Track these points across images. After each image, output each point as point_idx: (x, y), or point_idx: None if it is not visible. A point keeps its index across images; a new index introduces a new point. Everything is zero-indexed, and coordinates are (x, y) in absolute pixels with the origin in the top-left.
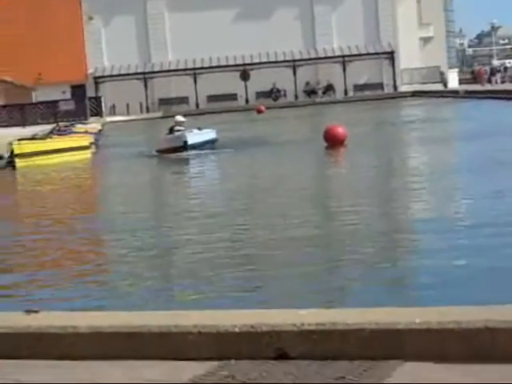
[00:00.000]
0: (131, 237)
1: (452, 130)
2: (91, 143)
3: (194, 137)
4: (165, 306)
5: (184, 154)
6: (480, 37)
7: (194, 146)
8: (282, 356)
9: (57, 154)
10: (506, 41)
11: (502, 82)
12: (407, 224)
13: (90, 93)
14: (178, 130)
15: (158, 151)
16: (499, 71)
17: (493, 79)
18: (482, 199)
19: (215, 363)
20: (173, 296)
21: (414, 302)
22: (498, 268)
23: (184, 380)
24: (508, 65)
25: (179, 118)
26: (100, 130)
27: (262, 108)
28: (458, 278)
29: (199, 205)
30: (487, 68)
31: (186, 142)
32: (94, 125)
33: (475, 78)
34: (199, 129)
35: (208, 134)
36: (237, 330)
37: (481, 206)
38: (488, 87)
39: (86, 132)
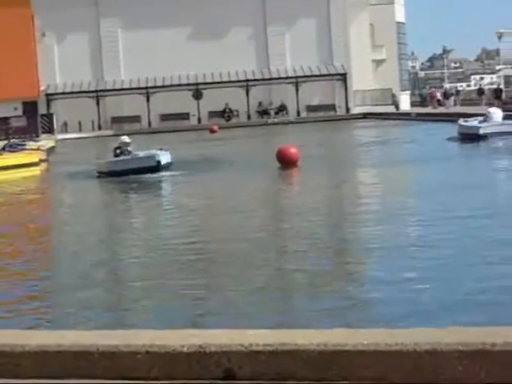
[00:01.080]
0: (78, 258)
1: (401, 152)
2: (42, 160)
3: (163, 157)
4: (114, 326)
5: (148, 176)
6: (432, 60)
7: (164, 167)
8: (230, 376)
9: (5, 170)
10: (458, 64)
11: (454, 105)
12: (355, 245)
13: (42, 110)
14: (123, 152)
15: (102, 172)
16: (452, 94)
17: (447, 102)
18: (428, 221)
19: (163, 383)
20: (123, 316)
21: (363, 324)
22: (445, 289)
23: None
24: (460, 88)
25: (125, 138)
26: (53, 147)
27: (215, 128)
28: (407, 300)
29: (147, 226)
30: (439, 91)
31: (159, 162)
32: (46, 141)
33: (424, 100)
34: (161, 150)
35: (165, 156)
36: (185, 349)
37: (427, 229)
38: (441, 110)
39: (38, 149)
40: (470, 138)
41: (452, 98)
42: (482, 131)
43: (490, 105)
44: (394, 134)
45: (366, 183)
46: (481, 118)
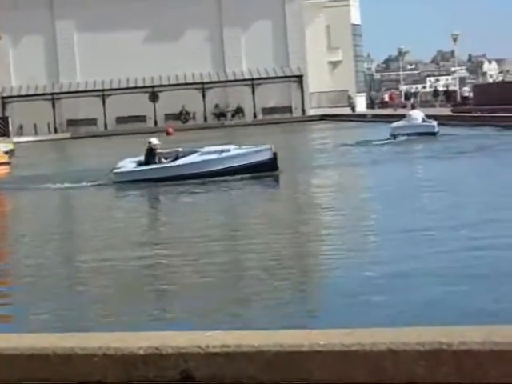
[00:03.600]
0: (38, 262)
1: (358, 155)
2: (3, 163)
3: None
4: (71, 329)
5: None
6: (388, 62)
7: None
8: (188, 378)
9: None
10: (413, 66)
11: (413, 107)
12: (317, 249)
13: None
14: (156, 154)
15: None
16: (413, 95)
17: (408, 103)
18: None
19: None
20: (80, 318)
21: (320, 325)
22: (400, 290)
23: None
24: (415, 90)
25: (154, 140)
26: (12, 150)
27: (171, 130)
28: (365, 301)
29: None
30: (400, 92)
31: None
32: (4, 144)
33: (373, 103)
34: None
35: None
36: (142, 352)
37: (389, 238)
38: (400, 111)
39: None
40: (392, 137)
41: (412, 99)
42: (395, 132)
43: (441, 106)
44: (355, 136)
45: (327, 185)
46: (403, 120)
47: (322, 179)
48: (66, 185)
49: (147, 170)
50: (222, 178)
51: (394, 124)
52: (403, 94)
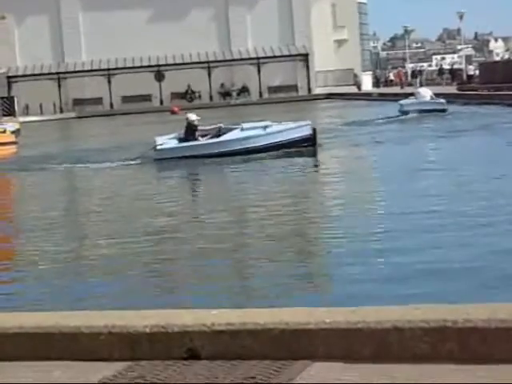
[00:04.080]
0: (42, 240)
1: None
2: (12, 142)
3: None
4: (76, 307)
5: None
6: (393, 40)
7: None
8: (194, 356)
9: None
10: (419, 44)
11: (421, 85)
12: (321, 230)
13: (3, 93)
14: (196, 130)
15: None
16: (419, 73)
17: (415, 81)
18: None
19: (125, 364)
20: (84, 297)
21: (325, 303)
22: (408, 269)
23: (93, 380)
24: (421, 68)
25: (193, 116)
26: (18, 130)
27: (176, 109)
28: (370, 279)
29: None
30: (406, 70)
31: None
32: (11, 124)
33: (378, 82)
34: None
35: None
36: (147, 330)
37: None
38: (407, 90)
39: (5, 131)
40: (402, 114)
41: (419, 77)
42: (405, 108)
43: (447, 84)
44: (363, 115)
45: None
46: (412, 98)
47: (352, 155)
48: (103, 164)
49: (191, 146)
50: (264, 154)
51: (403, 101)
52: (409, 73)
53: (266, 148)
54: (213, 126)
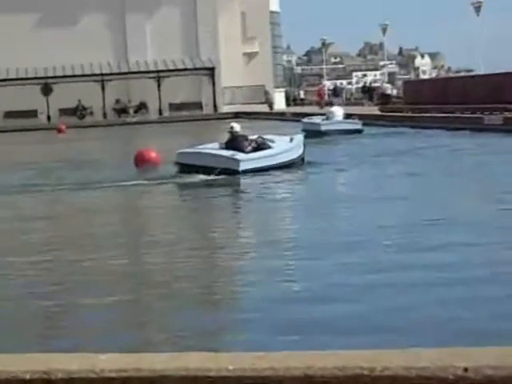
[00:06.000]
0: None
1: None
2: None
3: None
4: None
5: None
6: (309, 54)
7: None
8: None
9: None
10: (338, 59)
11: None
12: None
13: None
14: (246, 140)
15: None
16: (342, 91)
17: (336, 100)
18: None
19: None
20: None
21: (229, 349)
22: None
23: None
24: (341, 86)
25: (238, 126)
26: None
27: (63, 127)
28: (280, 326)
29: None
30: (326, 87)
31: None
32: None
33: (287, 100)
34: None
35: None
36: (28, 376)
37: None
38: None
39: None
40: (314, 134)
41: (342, 95)
42: (323, 128)
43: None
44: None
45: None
46: (323, 117)
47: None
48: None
49: (266, 156)
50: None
51: (318, 120)
52: (329, 91)
53: (297, 160)
54: (255, 137)
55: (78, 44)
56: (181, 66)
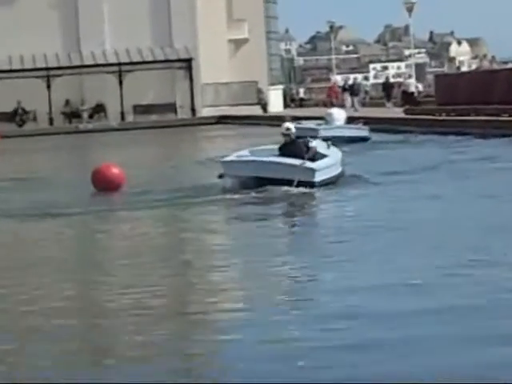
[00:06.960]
0: None
1: None
2: None
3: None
4: None
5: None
6: (314, 41)
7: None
8: None
9: None
10: (351, 47)
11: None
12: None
13: None
14: (310, 142)
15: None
16: (359, 90)
17: (355, 99)
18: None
19: None
20: None
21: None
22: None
23: None
24: (357, 81)
25: (291, 124)
26: None
27: None
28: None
29: None
30: (341, 84)
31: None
32: None
33: (293, 100)
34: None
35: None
36: None
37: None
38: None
39: None
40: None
41: (361, 94)
42: (322, 135)
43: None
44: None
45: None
46: (321, 121)
47: None
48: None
49: (335, 164)
50: None
51: (314, 126)
52: (349, 87)
53: (342, 174)
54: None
55: (15, 30)
56: (149, 58)
